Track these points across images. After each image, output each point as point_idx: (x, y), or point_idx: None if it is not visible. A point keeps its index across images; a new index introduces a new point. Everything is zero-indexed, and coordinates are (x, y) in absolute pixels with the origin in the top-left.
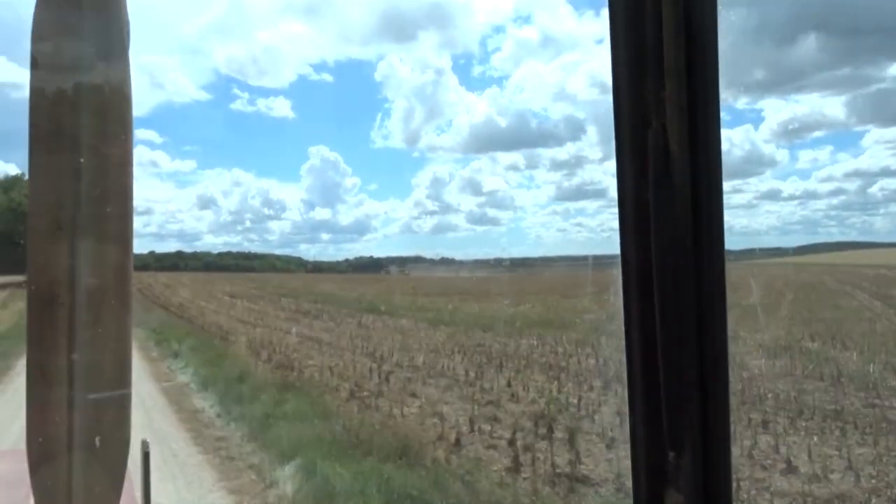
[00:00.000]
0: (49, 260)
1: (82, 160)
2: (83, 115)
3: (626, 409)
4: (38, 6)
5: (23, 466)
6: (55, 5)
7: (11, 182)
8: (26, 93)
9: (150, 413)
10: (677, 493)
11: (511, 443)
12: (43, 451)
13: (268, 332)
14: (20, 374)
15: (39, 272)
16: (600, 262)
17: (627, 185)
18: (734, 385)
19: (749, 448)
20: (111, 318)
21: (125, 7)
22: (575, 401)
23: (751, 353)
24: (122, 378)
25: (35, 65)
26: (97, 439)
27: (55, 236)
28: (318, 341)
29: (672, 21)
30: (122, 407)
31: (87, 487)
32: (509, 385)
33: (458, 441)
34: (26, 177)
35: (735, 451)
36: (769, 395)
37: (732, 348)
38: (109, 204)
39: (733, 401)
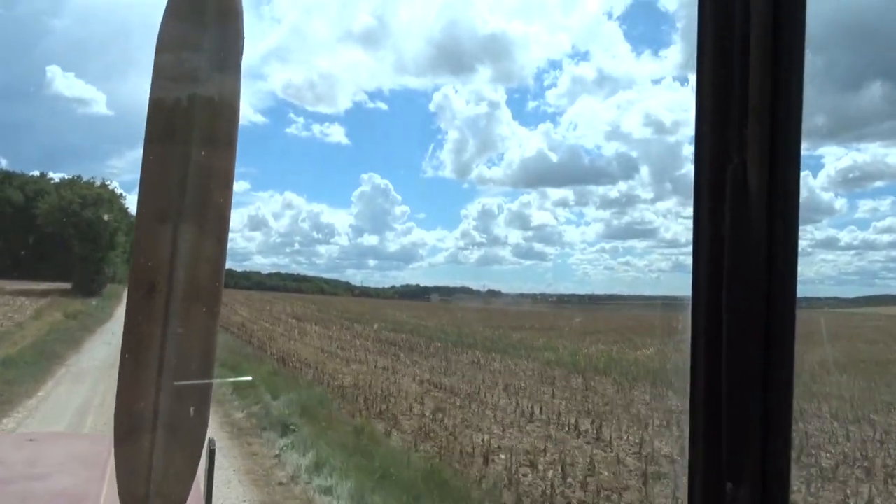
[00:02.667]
0: (151, 254)
1: (189, 167)
2: (195, 124)
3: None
4: (164, 19)
5: (100, 449)
6: (182, 19)
7: (67, 183)
8: (92, 108)
9: None
10: None
11: None
12: (128, 429)
13: (368, 370)
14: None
15: (142, 264)
16: (649, 302)
17: (703, 220)
18: None
19: None
20: (202, 310)
21: (242, 23)
22: None
23: None
24: (206, 368)
25: (156, 74)
26: (178, 421)
27: (158, 232)
28: (447, 391)
29: (759, 62)
30: (203, 395)
31: (165, 466)
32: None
33: None
34: (83, 179)
35: None
36: None
37: None
38: (210, 211)
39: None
